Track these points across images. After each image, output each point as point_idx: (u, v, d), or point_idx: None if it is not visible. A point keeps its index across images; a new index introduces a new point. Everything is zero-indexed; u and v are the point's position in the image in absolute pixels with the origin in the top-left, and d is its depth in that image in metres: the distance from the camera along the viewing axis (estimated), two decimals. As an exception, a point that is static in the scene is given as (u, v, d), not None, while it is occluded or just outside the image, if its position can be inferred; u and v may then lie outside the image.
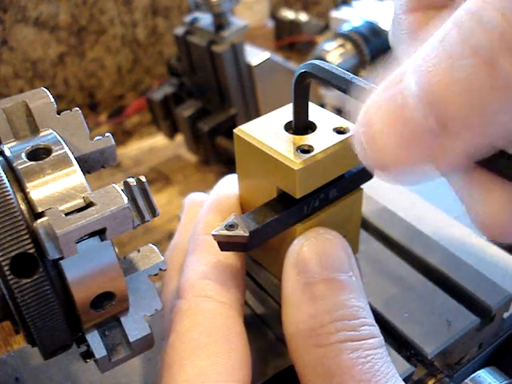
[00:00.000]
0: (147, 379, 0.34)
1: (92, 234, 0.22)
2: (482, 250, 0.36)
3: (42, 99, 0.27)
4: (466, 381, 0.33)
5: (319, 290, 0.26)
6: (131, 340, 0.26)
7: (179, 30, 0.60)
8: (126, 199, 0.22)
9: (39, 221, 0.21)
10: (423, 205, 0.41)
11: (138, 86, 0.84)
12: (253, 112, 0.62)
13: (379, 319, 0.32)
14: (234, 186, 0.33)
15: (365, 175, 0.33)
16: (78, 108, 0.28)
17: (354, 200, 0.33)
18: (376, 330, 0.26)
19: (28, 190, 0.23)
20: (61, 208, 0.22)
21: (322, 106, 0.73)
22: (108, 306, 0.24)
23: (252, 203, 0.31)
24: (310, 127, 0.31)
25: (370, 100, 0.21)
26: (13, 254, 0.22)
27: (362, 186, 0.33)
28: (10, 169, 0.24)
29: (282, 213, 0.29)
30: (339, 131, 0.30)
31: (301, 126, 0.30)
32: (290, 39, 0.92)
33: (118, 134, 0.74)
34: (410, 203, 0.41)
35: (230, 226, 0.28)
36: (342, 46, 0.63)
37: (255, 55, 0.59)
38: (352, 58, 0.63)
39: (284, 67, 0.61)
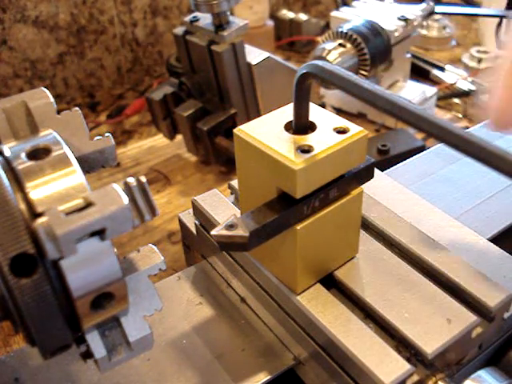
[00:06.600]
0: (147, 379, 0.34)
1: (92, 234, 0.22)
2: (481, 250, 0.36)
3: (41, 99, 0.27)
4: (466, 381, 0.33)
5: None
6: (131, 340, 0.26)
7: (179, 30, 0.60)
8: (125, 199, 0.22)
9: (39, 221, 0.21)
10: (423, 205, 0.41)
11: (138, 86, 0.84)
12: (253, 112, 0.62)
13: (379, 319, 0.32)
14: None
15: (365, 175, 0.33)
16: (77, 108, 0.28)
17: (353, 200, 0.33)
18: None
19: (28, 190, 0.23)
20: (61, 208, 0.22)
21: (322, 106, 0.73)
22: (108, 306, 0.24)
23: (252, 203, 0.31)
24: (310, 127, 0.31)
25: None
26: (12, 253, 0.22)
27: (361, 186, 0.33)
28: (10, 169, 0.24)
29: (281, 213, 0.29)
30: (339, 131, 0.30)
31: (301, 125, 0.30)
32: (289, 39, 0.92)
33: (118, 133, 0.74)
34: (410, 203, 0.41)
35: (230, 226, 0.28)
36: (341, 45, 0.63)
37: (255, 55, 0.59)
38: (352, 58, 0.63)
39: (284, 66, 0.61)
